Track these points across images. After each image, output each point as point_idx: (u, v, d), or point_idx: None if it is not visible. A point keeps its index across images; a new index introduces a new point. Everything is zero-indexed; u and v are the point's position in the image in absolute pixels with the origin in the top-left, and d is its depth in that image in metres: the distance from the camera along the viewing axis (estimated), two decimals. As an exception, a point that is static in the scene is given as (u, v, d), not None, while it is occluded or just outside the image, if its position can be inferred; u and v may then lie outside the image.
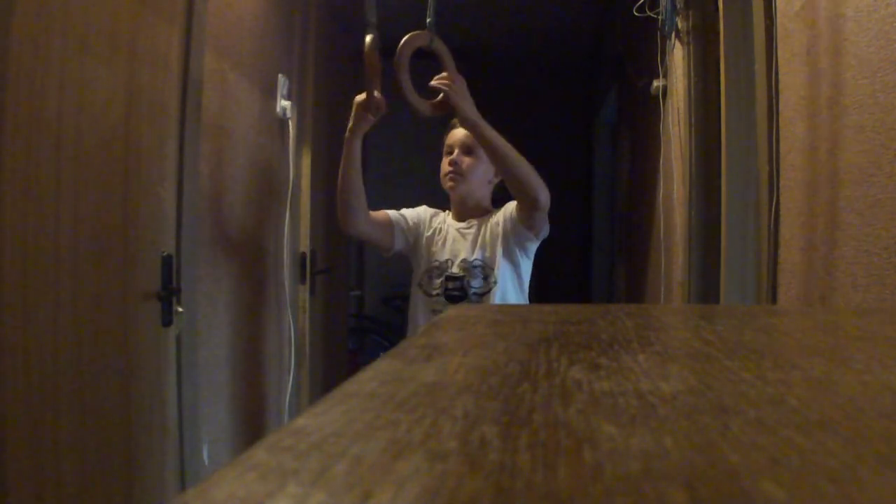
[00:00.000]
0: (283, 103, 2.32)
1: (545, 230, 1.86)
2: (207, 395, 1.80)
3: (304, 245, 2.56)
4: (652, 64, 2.47)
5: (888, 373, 0.37)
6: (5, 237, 1.04)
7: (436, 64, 1.78)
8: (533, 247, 1.89)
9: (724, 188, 1.79)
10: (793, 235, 1.33)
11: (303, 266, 2.56)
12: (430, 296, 1.89)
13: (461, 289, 1.86)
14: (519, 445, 0.23)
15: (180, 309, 1.54)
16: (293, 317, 2.42)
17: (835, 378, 0.36)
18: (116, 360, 1.35)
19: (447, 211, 2.00)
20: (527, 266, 1.91)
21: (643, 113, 2.91)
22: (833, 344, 0.52)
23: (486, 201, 1.97)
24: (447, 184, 1.93)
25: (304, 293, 2.56)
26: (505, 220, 1.87)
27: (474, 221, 1.92)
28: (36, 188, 1.11)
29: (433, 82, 1.74)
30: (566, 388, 0.32)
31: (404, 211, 1.99)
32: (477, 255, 1.87)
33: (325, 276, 2.85)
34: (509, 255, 1.87)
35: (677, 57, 2.23)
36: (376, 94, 1.74)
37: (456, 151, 1.91)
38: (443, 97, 1.73)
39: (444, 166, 1.94)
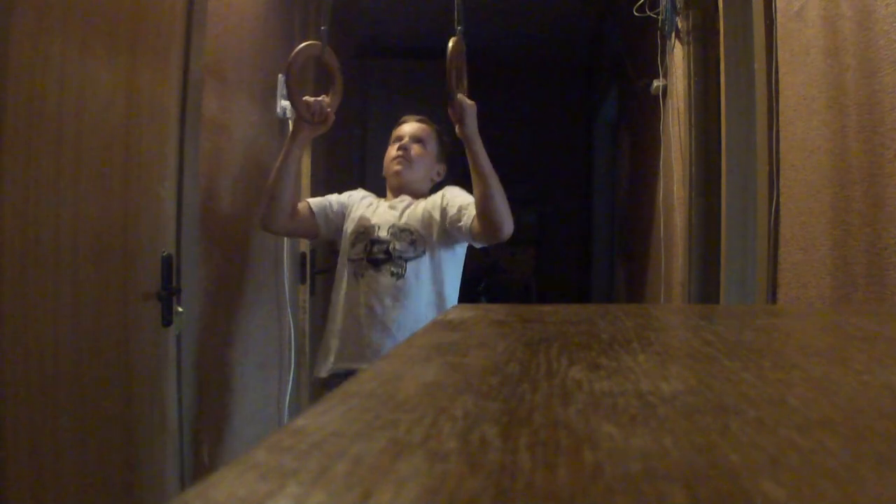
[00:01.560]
0: (283, 103, 2.32)
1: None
2: (207, 395, 1.80)
3: (304, 245, 2.56)
4: (652, 64, 2.47)
5: (888, 373, 0.37)
6: (5, 237, 1.04)
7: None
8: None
9: (724, 188, 1.79)
10: (793, 235, 1.33)
11: (303, 266, 2.56)
12: (352, 261, 1.85)
13: (386, 252, 1.81)
14: (519, 445, 0.23)
15: (180, 309, 1.54)
16: (293, 317, 2.42)
17: (835, 378, 0.36)
18: (116, 360, 1.35)
19: (382, 198, 2.00)
20: (462, 248, 1.90)
21: (643, 113, 2.91)
22: (833, 344, 0.52)
23: (425, 193, 1.96)
24: (393, 167, 1.92)
25: (304, 293, 2.56)
26: (447, 215, 1.82)
27: (407, 198, 1.91)
28: (36, 188, 1.11)
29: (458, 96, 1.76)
30: (566, 388, 0.32)
31: (331, 196, 1.99)
32: (406, 220, 1.85)
33: (325, 276, 2.85)
34: (445, 240, 1.85)
35: (677, 57, 2.23)
36: (310, 100, 1.80)
37: (406, 139, 1.92)
38: (452, 104, 1.74)
39: (392, 152, 1.94)
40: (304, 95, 1.80)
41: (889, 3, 0.98)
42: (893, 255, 0.97)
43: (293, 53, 1.81)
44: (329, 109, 1.83)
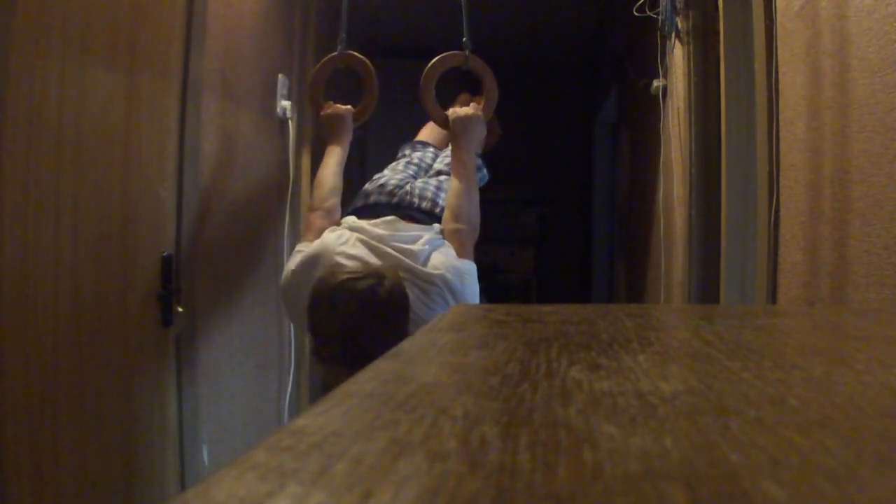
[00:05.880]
0: (283, 103, 2.32)
1: None
2: (207, 395, 1.80)
3: (304, 245, 2.55)
4: (652, 64, 2.47)
5: (888, 373, 0.37)
6: (5, 237, 1.04)
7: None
8: None
9: (724, 188, 1.79)
10: (793, 235, 1.33)
11: (303, 266, 2.56)
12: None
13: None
14: (519, 445, 0.23)
15: (180, 309, 1.54)
16: (293, 317, 2.42)
17: (835, 378, 0.36)
18: (116, 360, 1.35)
19: None
20: None
21: (643, 113, 2.91)
22: (833, 344, 0.52)
23: None
24: None
25: (304, 293, 2.56)
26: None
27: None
28: (36, 188, 1.11)
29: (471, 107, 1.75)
30: (566, 388, 0.32)
31: None
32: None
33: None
34: None
35: (677, 57, 2.23)
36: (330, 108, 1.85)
37: None
38: (451, 116, 1.73)
39: None
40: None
41: (889, 3, 0.98)
42: (893, 256, 0.97)
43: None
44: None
